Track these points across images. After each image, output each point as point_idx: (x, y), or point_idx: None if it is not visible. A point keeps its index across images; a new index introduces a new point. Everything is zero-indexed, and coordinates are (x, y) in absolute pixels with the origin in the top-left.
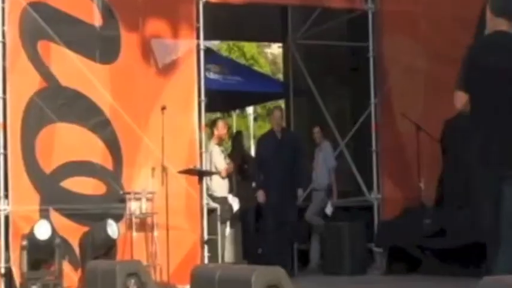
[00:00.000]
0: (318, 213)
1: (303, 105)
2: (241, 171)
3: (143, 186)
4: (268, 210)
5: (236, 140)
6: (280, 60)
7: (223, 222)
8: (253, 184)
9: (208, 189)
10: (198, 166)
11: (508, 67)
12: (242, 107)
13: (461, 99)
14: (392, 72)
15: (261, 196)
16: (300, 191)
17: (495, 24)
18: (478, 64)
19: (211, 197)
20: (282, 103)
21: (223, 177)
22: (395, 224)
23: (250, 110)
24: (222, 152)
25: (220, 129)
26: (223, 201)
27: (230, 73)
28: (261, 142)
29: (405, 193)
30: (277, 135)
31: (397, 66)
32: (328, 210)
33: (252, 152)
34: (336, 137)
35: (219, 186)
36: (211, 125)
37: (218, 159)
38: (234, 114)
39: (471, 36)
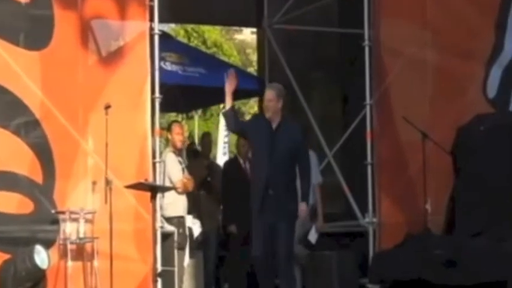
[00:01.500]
0: (300, 240)
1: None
2: (205, 184)
3: (81, 204)
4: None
5: (203, 143)
6: (252, 49)
7: (181, 250)
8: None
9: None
10: (151, 180)
11: None
12: (206, 106)
13: None
14: (393, 66)
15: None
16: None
17: None
18: None
19: (165, 218)
20: (254, 103)
21: (179, 193)
22: (395, 254)
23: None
24: (180, 162)
25: (175, 134)
26: (178, 223)
27: (191, 64)
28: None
29: (407, 216)
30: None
31: (399, 58)
32: (312, 237)
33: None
34: (322, 146)
35: (173, 203)
36: (167, 128)
37: (173, 169)
38: (196, 115)
39: (490, 23)
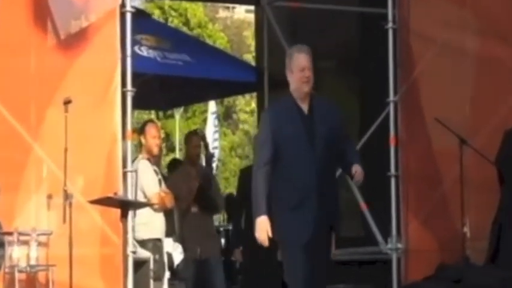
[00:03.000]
0: None
1: None
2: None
3: (33, 224)
4: None
5: (188, 146)
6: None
7: (158, 280)
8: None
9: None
10: (121, 193)
11: None
12: (190, 103)
13: None
14: (423, 55)
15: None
16: None
17: None
18: None
19: (138, 241)
20: (252, 99)
21: (156, 210)
22: (426, 287)
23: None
24: (156, 171)
25: (151, 137)
26: (155, 247)
27: (174, 49)
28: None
29: (441, 242)
30: None
31: (431, 45)
32: None
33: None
34: None
35: (148, 223)
36: (140, 130)
37: (147, 181)
38: (177, 114)
39: None
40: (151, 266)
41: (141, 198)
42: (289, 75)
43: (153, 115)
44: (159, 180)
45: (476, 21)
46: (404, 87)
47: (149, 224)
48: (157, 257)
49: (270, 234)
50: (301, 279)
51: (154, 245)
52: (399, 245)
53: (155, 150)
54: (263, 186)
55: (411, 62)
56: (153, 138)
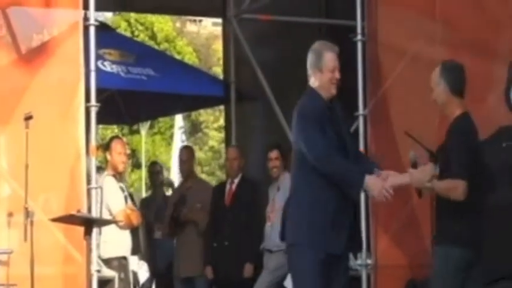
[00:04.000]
0: (275, 287)
1: (253, 115)
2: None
3: None
4: None
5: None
6: (215, 45)
7: None
8: None
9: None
10: (85, 211)
11: None
12: (155, 117)
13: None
14: (393, 67)
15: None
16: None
17: (451, 102)
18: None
19: (102, 260)
20: (220, 114)
21: (121, 228)
22: None
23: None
24: (122, 188)
25: (116, 153)
26: (120, 265)
27: (137, 63)
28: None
29: (410, 257)
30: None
31: (400, 57)
32: (290, 284)
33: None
34: None
35: (113, 241)
36: (106, 146)
37: (113, 197)
38: (143, 130)
39: None
40: (116, 285)
41: (106, 215)
42: (315, 73)
43: (116, 130)
44: (125, 197)
45: (445, 33)
46: (373, 101)
47: (114, 242)
48: (122, 275)
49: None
50: None
51: (120, 263)
52: (369, 261)
53: (121, 167)
54: (344, 161)
55: (380, 75)
56: (118, 154)
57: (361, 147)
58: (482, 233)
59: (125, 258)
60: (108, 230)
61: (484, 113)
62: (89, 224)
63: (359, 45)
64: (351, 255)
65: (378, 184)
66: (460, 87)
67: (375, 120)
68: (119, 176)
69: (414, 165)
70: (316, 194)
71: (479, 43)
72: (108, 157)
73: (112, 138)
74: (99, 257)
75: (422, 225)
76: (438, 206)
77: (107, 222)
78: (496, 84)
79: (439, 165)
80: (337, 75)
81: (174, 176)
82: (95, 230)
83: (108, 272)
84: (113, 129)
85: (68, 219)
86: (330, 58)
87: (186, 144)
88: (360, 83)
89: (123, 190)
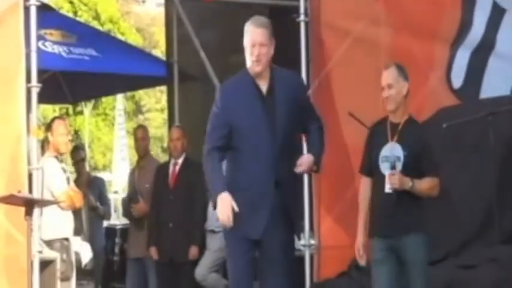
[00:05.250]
0: (217, 268)
1: (195, 95)
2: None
3: None
4: None
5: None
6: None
7: (66, 281)
8: None
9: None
10: (26, 191)
11: None
12: (98, 97)
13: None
14: (336, 48)
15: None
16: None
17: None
18: None
19: (44, 241)
20: (162, 92)
21: (63, 208)
22: (338, 285)
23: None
24: (64, 169)
25: (58, 134)
26: (62, 246)
27: (79, 44)
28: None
29: (354, 238)
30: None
31: (343, 37)
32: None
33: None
34: None
35: (55, 223)
36: (47, 127)
37: (54, 179)
38: (87, 110)
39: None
40: (58, 266)
41: (48, 197)
42: (245, 51)
43: (57, 112)
44: (67, 178)
45: (388, 15)
46: (316, 82)
47: (57, 223)
48: (64, 256)
49: (236, 209)
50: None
51: (62, 244)
52: (312, 242)
53: (63, 148)
54: (216, 167)
55: (323, 56)
56: (60, 135)
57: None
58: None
59: (67, 239)
60: (50, 212)
61: (425, 94)
62: (30, 204)
63: (302, 26)
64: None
65: (224, 209)
66: None
67: (318, 101)
68: (60, 156)
69: (393, 167)
70: (235, 175)
71: (421, 24)
72: (50, 138)
73: (54, 119)
74: (41, 238)
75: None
76: (402, 198)
77: (48, 203)
78: (437, 65)
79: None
80: (256, 50)
81: (117, 156)
82: (36, 211)
83: (50, 253)
84: (54, 111)
85: (8, 200)
86: (250, 32)
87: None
88: (303, 63)
89: (64, 171)
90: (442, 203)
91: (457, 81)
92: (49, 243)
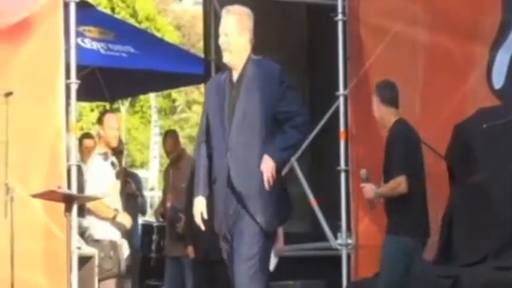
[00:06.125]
0: None
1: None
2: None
3: None
4: None
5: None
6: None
7: (112, 278)
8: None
9: (80, 226)
10: (65, 187)
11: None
12: (135, 95)
13: (405, 183)
14: (374, 47)
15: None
16: None
17: (388, 113)
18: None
19: (91, 239)
20: (199, 90)
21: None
22: (375, 285)
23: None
24: (113, 165)
25: (108, 127)
26: (110, 244)
27: (118, 41)
28: None
29: None
30: None
31: (382, 37)
32: (270, 262)
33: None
34: None
35: (105, 222)
36: (98, 121)
37: (94, 177)
38: (123, 107)
39: None
40: (97, 262)
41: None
42: None
43: (95, 110)
44: (117, 173)
45: (426, 14)
46: (354, 81)
47: (107, 224)
48: (112, 253)
49: (205, 216)
50: None
51: (110, 242)
52: (349, 241)
53: (114, 142)
54: (201, 164)
55: (361, 55)
56: (111, 129)
57: (342, 127)
58: (425, 220)
59: (111, 241)
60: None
61: (464, 93)
62: (70, 200)
63: (340, 25)
64: (330, 235)
65: (196, 210)
66: (393, 100)
67: (356, 100)
68: (111, 151)
69: (367, 181)
70: (214, 171)
71: (460, 24)
72: (101, 132)
73: (105, 113)
74: (90, 236)
75: None
76: (387, 202)
77: (87, 199)
78: (477, 65)
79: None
80: (220, 39)
81: (152, 154)
82: (76, 208)
83: (88, 250)
84: (92, 107)
85: (48, 196)
86: (221, 22)
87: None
88: (340, 62)
89: (114, 166)
90: (481, 203)
91: (498, 81)
92: (98, 241)
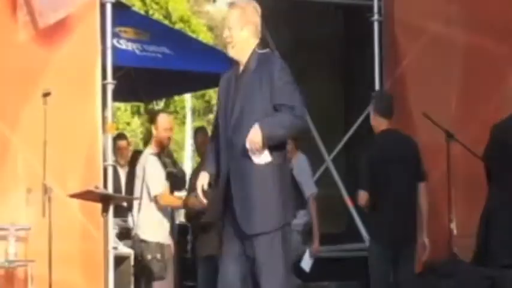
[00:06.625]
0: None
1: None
2: None
3: (11, 219)
4: None
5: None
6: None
7: (159, 280)
8: None
9: (122, 226)
10: (102, 187)
11: (401, 158)
12: (170, 95)
13: (364, 198)
14: (410, 47)
15: None
16: None
17: (378, 123)
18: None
19: (140, 240)
20: None
21: (158, 208)
22: (412, 285)
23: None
24: (165, 164)
25: (162, 128)
26: (157, 246)
27: (153, 42)
28: None
29: (428, 238)
30: None
31: (418, 37)
32: (306, 263)
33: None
34: (320, 148)
35: (154, 224)
36: (150, 120)
37: (153, 177)
38: (158, 108)
39: None
40: (132, 262)
41: (145, 195)
42: None
43: (128, 110)
44: (169, 173)
45: (463, 13)
46: (390, 81)
47: (155, 225)
48: (159, 256)
49: (205, 188)
50: None
51: (157, 244)
52: None
53: (166, 142)
54: (209, 154)
55: (397, 55)
56: (165, 130)
57: None
58: (393, 229)
59: (162, 244)
60: (149, 213)
61: (504, 93)
62: (107, 200)
63: (375, 25)
64: (366, 236)
65: (199, 183)
66: (386, 111)
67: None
68: (163, 151)
69: None
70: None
71: (499, 24)
72: (154, 132)
73: (158, 112)
74: (137, 236)
75: (438, 207)
76: None
77: (123, 199)
78: None
79: None
80: (223, 34)
81: (187, 155)
82: (112, 207)
83: (124, 250)
84: (126, 108)
85: (85, 195)
86: (226, 15)
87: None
88: (376, 63)
89: (165, 166)
90: None
91: None
92: (145, 242)
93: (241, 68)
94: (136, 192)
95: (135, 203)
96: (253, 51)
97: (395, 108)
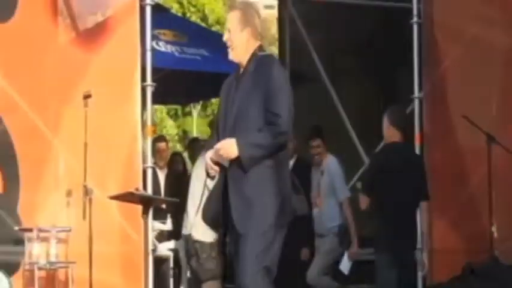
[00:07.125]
0: (327, 271)
1: (302, 95)
2: None
3: (53, 220)
4: None
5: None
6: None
7: (214, 279)
8: None
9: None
10: (142, 189)
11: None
12: (207, 98)
13: (364, 203)
14: (450, 50)
15: None
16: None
17: (392, 134)
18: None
19: (193, 240)
20: None
21: None
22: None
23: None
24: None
25: None
26: (211, 245)
27: (191, 44)
28: None
29: (468, 242)
30: None
31: (458, 40)
32: (344, 266)
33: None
34: (358, 150)
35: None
36: (210, 123)
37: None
38: (195, 111)
39: None
40: (171, 264)
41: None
42: None
43: (163, 113)
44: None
45: (503, 16)
46: (429, 84)
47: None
48: (213, 254)
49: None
50: None
51: (211, 243)
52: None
53: None
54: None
55: (437, 58)
56: None
57: (417, 130)
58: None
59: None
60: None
61: None
62: (147, 202)
63: (415, 28)
64: None
65: (207, 155)
66: (400, 123)
67: (432, 103)
68: None
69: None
70: None
71: None
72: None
73: None
74: (191, 236)
75: (479, 210)
76: None
77: (164, 201)
78: None
79: None
80: (224, 36)
81: None
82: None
83: (164, 252)
84: (162, 110)
85: (126, 197)
86: (227, 16)
87: None
88: (415, 66)
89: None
90: None
91: None
92: (199, 242)
93: (242, 70)
94: (194, 194)
95: (191, 205)
96: (253, 54)
97: (435, 111)
